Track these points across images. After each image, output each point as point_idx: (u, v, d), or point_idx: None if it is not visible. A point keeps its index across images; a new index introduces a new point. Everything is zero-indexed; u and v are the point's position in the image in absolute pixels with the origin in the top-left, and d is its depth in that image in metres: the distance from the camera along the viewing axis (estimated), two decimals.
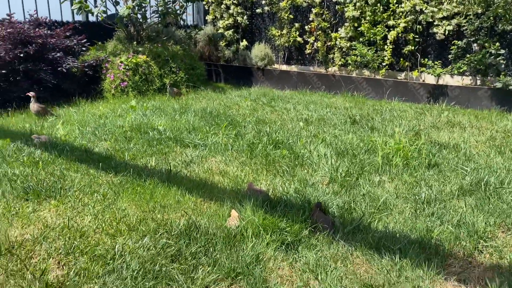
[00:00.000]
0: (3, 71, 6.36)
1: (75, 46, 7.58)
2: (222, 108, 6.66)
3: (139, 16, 8.17)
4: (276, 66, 9.75)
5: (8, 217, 2.93)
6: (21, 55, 6.60)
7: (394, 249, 2.58)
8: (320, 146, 4.60)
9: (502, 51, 6.78)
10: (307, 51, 9.23)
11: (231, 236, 2.70)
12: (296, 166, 4.07)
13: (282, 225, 2.81)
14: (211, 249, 2.57)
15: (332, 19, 8.79)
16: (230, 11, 10.05)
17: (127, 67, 7.52)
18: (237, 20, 10.03)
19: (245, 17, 9.96)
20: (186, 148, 4.61)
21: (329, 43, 8.87)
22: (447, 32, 7.39)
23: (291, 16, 9.23)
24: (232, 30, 10.15)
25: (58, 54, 7.11)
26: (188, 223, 2.81)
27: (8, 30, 6.66)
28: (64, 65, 7.08)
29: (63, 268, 2.38)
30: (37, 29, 7.09)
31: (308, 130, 5.38)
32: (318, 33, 8.92)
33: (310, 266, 2.44)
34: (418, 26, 7.68)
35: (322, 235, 2.74)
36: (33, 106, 5.64)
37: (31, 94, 5.65)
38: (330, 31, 8.82)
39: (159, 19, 8.48)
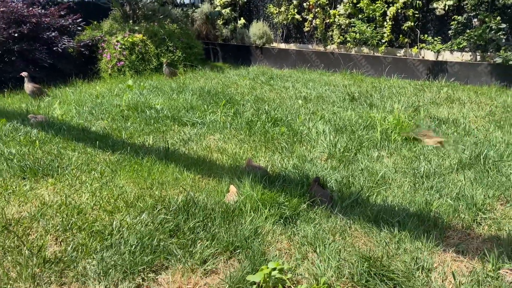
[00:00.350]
0: None
1: (70, 26, 7.47)
2: (220, 87, 6.60)
3: None
4: (274, 44, 9.63)
5: (5, 195, 2.92)
6: (15, 34, 6.50)
7: (393, 222, 2.57)
8: (318, 123, 4.56)
9: (503, 26, 6.68)
10: (306, 29, 9.11)
11: (229, 211, 2.69)
12: (294, 143, 4.05)
13: (281, 199, 2.80)
14: (210, 224, 2.56)
15: None
16: None
17: (123, 46, 7.43)
18: None
19: None
20: (184, 127, 4.58)
21: (327, 21, 8.74)
22: (447, 7, 7.27)
23: None
24: (230, 8, 10.00)
25: (53, 34, 7.02)
26: (186, 199, 2.80)
27: (1, 9, 6.55)
28: (59, 44, 6.99)
29: (60, 244, 2.38)
30: (30, 8, 6.98)
31: (306, 108, 5.34)
32: (316, 10, 8.78)
33: (309, 239, 2.43)
34: (418, 2, 7.55)
35: (321, 209, 2.73)
36: (28, 86, 5.58)
37: (24, 74, 5.58)
38: (328, 8, 8.68)
39: None
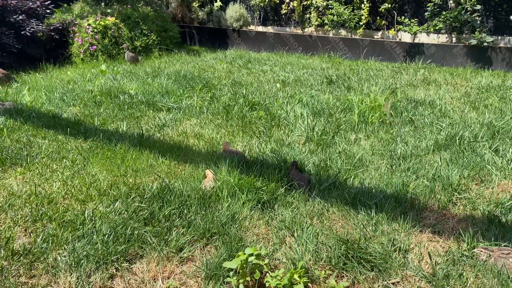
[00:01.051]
0: None
1: (38, 9, 7.17)
2: (196, 71, 6.48)
3: None
4: (252, 27, 9.50)
5: None
6: None
7: (370, 204, 2.57)
8: (296, 107, 4.52)
9: (478, 7, 6.73)
10: (283, 11, 8.99)
11: (206, 197, 2.64)
12: (272, 127, 4.00)
13: (258, 184, 2.76)
14: (186, 211, 2.51)
15: None
16: None
17: (95, 30, 7.19)
18: None
19: None
20: (159, 112, 4.48)
21: (305, 2, 8.64)
22: None
23: None
24: None
25: (21, 17, 6.73)
26: (161, 186, 2.73)
27: None
28: (27, 28, 6.72)
29: (30, 235, 2.29)
30: None
31: (285, 91, 5.29)
32: None
33: (286, 224, 2.41)
34: None
35: (298, 192, 2.70)
36: None
37: None
38: None
39: None
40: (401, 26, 7.69)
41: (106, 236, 2.23)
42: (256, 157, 3.27)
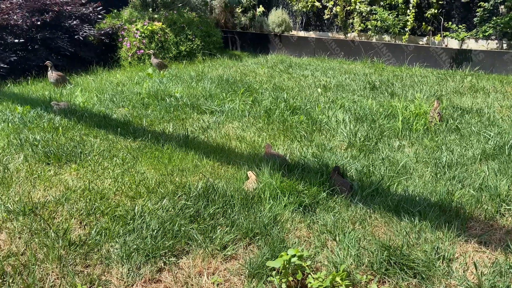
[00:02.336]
0: (22, 40, 6.39)
1: (91, 14, 7.54)
2: (238, 75, 6.60)
3: None
4: (293, 32, 9.55)
5: (30, 180, 3.00)
6: (38, 23, 6.60)
7: (414, 212, 2.55)
8: (338, 112, 4.53)
9: None
10: (326, 17, 8.99)
11: (248, 198, 2.70)
12: (314, 132, 4.03)
13: (300, 187, 2.80)
14: (229, 211, 2.59)
15: None
16: None
17: (143, 34, 7.47)
18: None
19: None
20: (203, 115, 4.60)
21: (348, 8, 8.60)
22: None
23: None
24: None
25: (75, 22, 7.10)
26: (206, 186, 2.82)
27: None
28: (80, 33, 7.08)
29: (84, 227, 2.43)
30: None
31: (326, 96, 5.30)
32: None
33: (328, 227, 2.43)
34: None
35: (340, 197, 2.72)
36: (51, 74, 5.66)
37: (48, 63, 5.66)
38: None
39: None
40: (447, 32, 7.50)
41: (155, 231, 2.34)
42: (298, 161, 3.31)
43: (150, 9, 8.15)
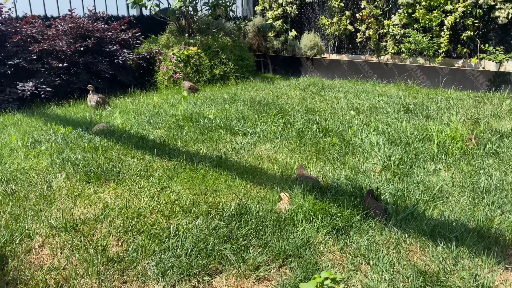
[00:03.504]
0: (65, 65, 6.74)
1: (130, 39, 7.87)
2: (270, 98, 6.68)
3: (190, 9, 8.34)
4: (325, 55, 9.62)
5: (72, 198, 3.13)
6: (81, 48, 6.96)
7: (450, 237, 2.49)
8: (372, 134, 4.50)
9: None
10: (358, 40, 9.03)
11: (281, 219, 2.72)
12: (346, 154, 4.02)
13: (333, 210, 2.79)
14: (262, 232, 2.61)
15: (384, 5, 8.53)
16: (279, 1, 10.03)
17: (179, 59, 7.72)
18: (286, 10, 9.99)
19: (294, 6, 9.90)
20: (236, 136, 4.68)
21: (381, 31, 8.62)
22: (510, 16, 6.94)
23: (342, 4, 9.06)
24: (281, 20, 10.13)
25: (115, 47, 7.43)
26: (239, 206, 2.86)
27: (70, 25, 7.04)
28: (120, 57, 7.39)
29: (122, 244, 2.51)
30: (95, 23, 7.44)
31: (359, 119, 5.28)
32: (369, 20, 8.69)
33: (362, 251, 2.41)
34: (478, 10, 7.28)
35: (374, 221, 2.69)
36: (93, 97, 5.90)
37: (90, 87, 5.91)
38: (382, 18, 8.57)
39: (209, 11, 8.61)
40: (484, 55, 7.37)
41: (189, 250, 2.38)
42: (330, 184, 3.30)
43: (186, 34, 8.44)
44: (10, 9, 6.79)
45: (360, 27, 8.92)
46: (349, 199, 2.94)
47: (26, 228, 2.67)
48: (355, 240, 2.53)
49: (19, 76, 6.39)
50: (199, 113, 5.51)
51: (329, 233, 2.61)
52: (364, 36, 8.92)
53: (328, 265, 2.31)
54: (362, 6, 8.73)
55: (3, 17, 6.66)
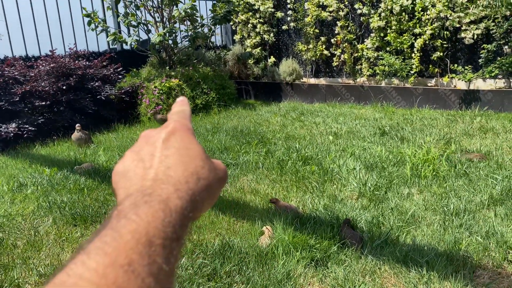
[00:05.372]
0: (48, 103, 6.84)
1: (111, 75, 8.02)
2: (252, 126, 6.86)
3: (170, 42, 8.55)
4: (304, 80, 9.89)
5: (59, 242, 3.21)
6: (64, 87, 7.07)
7: (422, 262, 2.64)
8: (349, 160, 4.68)
9: None
10: (334, 64, 9.33)
11: (262, 254, 2.84)
12: (325, 182, 4.18)
13: (312, 242, 2.93)
14: (244, 268, 2.72)
15: (357, 30, 8.87)
16: (257, 30, 10.33)
17: (161, 91, 7.89)
18: (264, 38, 10.29)
19: (271, 34, 10.21)
20: None
21: (356, 54, 8.94)
22: (475, 36, 7.31)
23: (317, 31, 9.39)
24: (260, 48, 10.42)
25: (97, 84, 7.57)
26: (222, 243, 2.98)
27: (51, 65, 7.16)
28: (102, 93, 7.52)
29: None
30: (76, 61, 7.58)
31: (337, 144, 5.47)
32: (344, 45, 9.01)
33: (339, 281, 2.54)
34: (445, 32, 7.64)
35: (351, 250, 2.83)
36: (76, 135, 5.98)
37: (77, 126, 5.98)
38: (356, 43, 8.90)
39: (189, 43, 8.84)
40: (454, 74, 7.70)
41: None
42: (310, 214, 3.45)
43: (167, 67, 8.63)
44: None
45: (335, 52, 9.23)
46: (326, 229, 3.08)
47: (15, 277, 2.74)
48: (333, 270, 2.66)
49: (2, 118, 6.47)
50: None
51: (308, 264, 2.74)
52: (340, 60, 9.23)
53: None
54: (336, 32, 9.06)
55: None
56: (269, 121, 7.23)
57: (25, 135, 6.37)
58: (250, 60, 10.38)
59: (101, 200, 3.98)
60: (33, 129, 6.46)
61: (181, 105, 0.53)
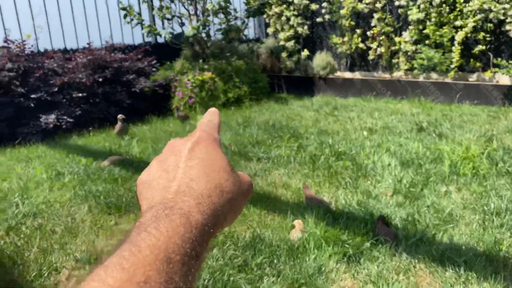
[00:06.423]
0: (85, 94, 7.03)
1: (146, 68, 8.15)
2: (284, 120, 6.81)
3: (203, 35, 8.59)
4: (338, 74, 9.72)
5: (94, 230, 3.29)
6: (100, 79, 7.24)
7: (459, 262, 2.54)
8: (384, 156, 4.56)
9: None
10: (370, 57, 9.11)
11: (293, 248, 2.81)
12: (359, 178, 4.09)
13: (344, 237, 2.87)
14: (275, 261, 2.70)
15: (395, 23, 8.62)
16: (291, 23, 10.22)
17: (194, 84, 7.95)
18: (298, 31, 10.17)
19: (305, 27, 10.08)
20: (250, 162, 4.80)
21: (393, 48, 8.70)
22: None
23: (352, 23, 9.19)
24: (293, 41, 10.31)
25: (132, 76, 7.70)
26: (253, 236, 2.97)
27: (88, 58, 7.35)
28: (137, 86, 7.66)
29: None
30: (112, 54, 7.74)
31: (371, 140, 5.35)
32: (381, 38, 8.78)
33: (372, 278, 2.48)
34: (488, 25, 7.31)
35: (385, 247, 2.76)
36: (120, 125, 6.08)
37: (120, 117, 6.09)
38: (393, 36, 8.66)
39: (223, 36, 8.85)
40: (497, 69, 7.36)
41: (206, 281, 2.49)
42: (342, 209, 3.38)
43: (201, 60, 8.68)
44: (32, 45, 7.16)
45: (371, 45, 9.01)
46: (360, 226, 3.01)
47: (54, 262, 2.83)
48: (366, 267, 2.60)
49: (42, 108, 6.69)
50: None
51: (340, 260, 2.69)
52: (376, 54, 9.01)
53: None
54: (372, 24, 8.84)
55: (27, 53, 7.01)
56: (301, 116, 7.16)
57: (64, 126, 6.57)
58: (283, 53, 10.30)
59: (134, 191, 4.02)
60: (71, 120, 6.66)
61: (211, 115, 0.54)
